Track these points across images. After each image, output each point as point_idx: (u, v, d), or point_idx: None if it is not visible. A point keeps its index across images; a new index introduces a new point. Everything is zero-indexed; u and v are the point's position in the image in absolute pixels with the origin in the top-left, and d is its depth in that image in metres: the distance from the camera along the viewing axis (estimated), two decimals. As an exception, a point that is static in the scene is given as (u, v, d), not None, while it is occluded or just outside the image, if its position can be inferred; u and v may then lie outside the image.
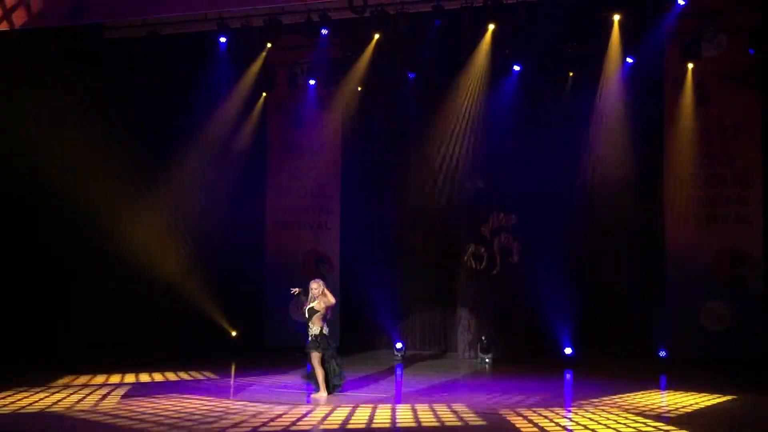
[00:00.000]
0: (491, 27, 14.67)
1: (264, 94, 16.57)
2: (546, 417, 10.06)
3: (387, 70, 15.65)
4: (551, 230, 15.37)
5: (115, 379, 12.78)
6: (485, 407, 10.70)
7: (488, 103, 15.32)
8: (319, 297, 11.46)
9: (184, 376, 13.24)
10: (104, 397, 11.24)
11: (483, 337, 15.23)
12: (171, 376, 13.22)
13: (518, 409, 10.51)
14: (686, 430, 9.34)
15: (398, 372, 14.18)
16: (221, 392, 11.75)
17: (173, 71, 15.72)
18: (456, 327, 15.97)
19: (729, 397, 11.34)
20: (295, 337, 11.75)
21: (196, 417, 9.93)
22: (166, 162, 16.01)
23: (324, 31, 15.29)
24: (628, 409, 10.59)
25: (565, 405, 11.16)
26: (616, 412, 10.32)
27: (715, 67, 14.41)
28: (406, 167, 16.20)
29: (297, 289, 11.65)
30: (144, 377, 13.01)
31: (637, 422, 9.79)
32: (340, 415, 10.11)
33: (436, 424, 9.74)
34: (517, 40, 14.66)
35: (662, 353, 14.21)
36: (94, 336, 15.26)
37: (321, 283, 11.63)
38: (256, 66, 16.02)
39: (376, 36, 15.16)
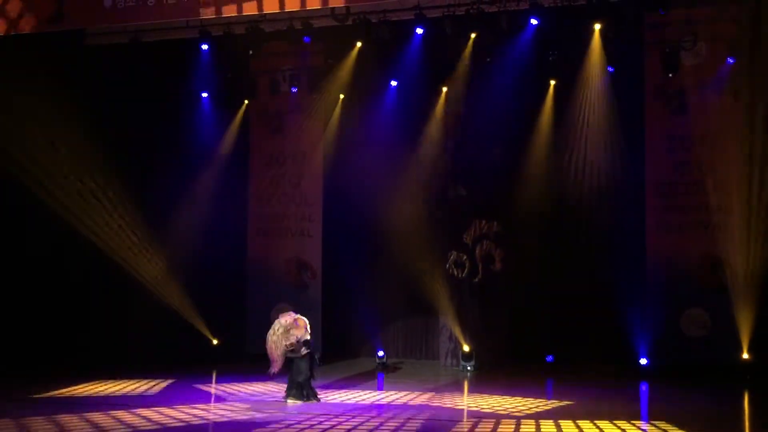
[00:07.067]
0: (473, 35, 14.71)
1: (246, 101, 16.54)
2: (528, 425, 10.07)
3: (369, 78, 15.66)
4: (533, 238, 15.43)
5: (94, 388, 12.71)
6: (466, 415, 10.70)
7: (470, 110, 15.35)
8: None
9: (165, 384, 13.17)
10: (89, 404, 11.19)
11: (465, 345, 15.24)
12: (152, 384, 13.15)
13: (499, 418, 10.52)
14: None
15: (379, 380, 14.16)
16: (202, 399, 11.72)
17: (155, 78, 15.67)
18: (438, 335, 15.96)
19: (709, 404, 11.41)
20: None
21: (176, 424, 9.90)
22: (147, 169, 15.96)
23: (306, 39, 15.27)
24: (608, 416, 10.62)
25: (547, 413, 11.18)
26: (596, 419, 10.33)
27: (695, 75, 14.50)
28: (387, 175, 16.18)
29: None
30: (124, 385, 12.94)
31: (616, 428, 9.82)
32: (321, 422, 10.10)
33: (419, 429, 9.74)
34: (499, 49, 14.72)
35: (644, 360, 14.25)
36: (74, 344, 15.14)
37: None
38: (238, 73, 15.98)
39: (359, 44, 15.17)
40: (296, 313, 11.59)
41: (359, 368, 15.11)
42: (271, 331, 11.38)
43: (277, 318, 11.54)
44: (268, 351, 11.33)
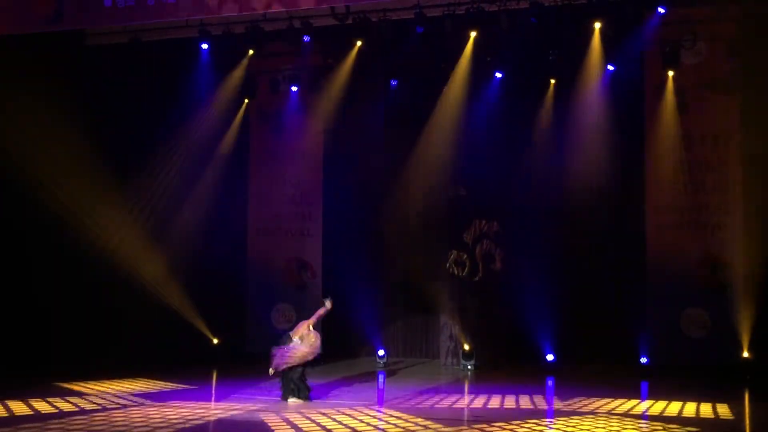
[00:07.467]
0: (473, 34, 14.72)
1: (246, 100, 16.53)
2: (527, 425, 10.07)
3: (369, 77, 15.66)
4: (533, 237, 15.40)
5: (95, 388, 12.71)
6: (467, 415, 10.71)
7: (470, 110, 15.34)
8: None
9: (165, 384, 13.18)
10: (83, 406, 11.19)
11: (465, 344, 15.25)
12: (152, 384, 13.16)
13: (500, 418, 10.52)
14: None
15: (381, 379, 14.18)
16: (202, 399, 11.73)
17: (155, 78, 15.67)
18: (438, 334, 15.96)
19: (710, 404, 11.41)
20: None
21: (176, 424, 9.91)
22: (148, 169, 15.96)
23: (306, 38, 15.25)
24: (609, 415, 10.62)
25: (546, 412, 11.18)
26: (598, 419, 10.34)
27: (695, 75, 14.52)
28: (388, 174, 16.19)
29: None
30: (125, 385, 12.95)
31: (616, 427, 9.82)
32: (322, 421, 10.10)
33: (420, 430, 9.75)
34: (499, 48, 14.72)
35: (644, 359, 14.25)
36: (73, 344, 15.13)
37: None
38: (238, 72, 15.99)
39: (359, 43, 15.16)
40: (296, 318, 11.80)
41: (359, 368, 15.11)
42: (302, 340, 11.62)
43: (317, 336, 11.83)
44: (290, 353, 11.47)
